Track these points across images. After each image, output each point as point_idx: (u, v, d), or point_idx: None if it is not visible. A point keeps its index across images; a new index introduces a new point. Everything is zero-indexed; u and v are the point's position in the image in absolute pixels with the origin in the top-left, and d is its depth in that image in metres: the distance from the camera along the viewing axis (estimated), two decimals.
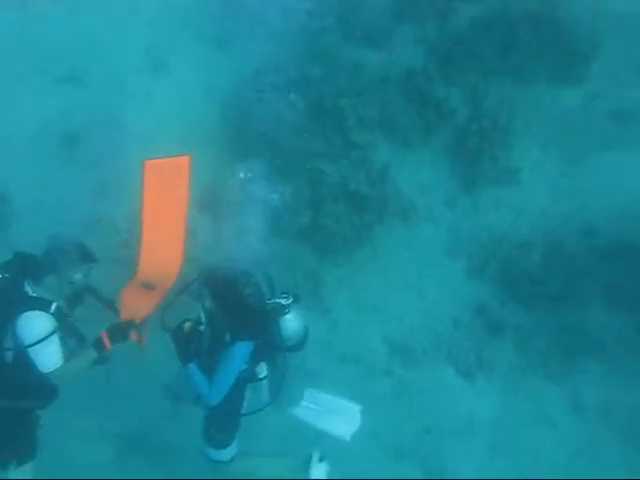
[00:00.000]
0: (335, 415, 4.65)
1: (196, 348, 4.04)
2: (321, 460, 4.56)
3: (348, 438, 4.61)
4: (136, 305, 4.16)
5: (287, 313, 4.02)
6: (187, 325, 4.06)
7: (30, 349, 3.64)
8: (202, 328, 4.07)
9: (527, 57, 7.04)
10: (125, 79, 6.91)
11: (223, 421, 4.23)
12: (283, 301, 4.02)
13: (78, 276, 3.92)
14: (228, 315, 3.97)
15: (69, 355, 3.86)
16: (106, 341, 3.92)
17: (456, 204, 6.87)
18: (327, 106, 6.77)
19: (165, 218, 4.02)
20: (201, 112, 6.94)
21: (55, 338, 3.71)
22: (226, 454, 4.33)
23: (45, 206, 6.14)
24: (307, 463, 4.54)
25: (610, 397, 5.85)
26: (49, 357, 3.70)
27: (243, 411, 4.23)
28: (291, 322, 4.03)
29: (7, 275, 3.77)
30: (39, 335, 3.63)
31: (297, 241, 6.78)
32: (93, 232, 5.71)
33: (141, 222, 4.07)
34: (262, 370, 4.22)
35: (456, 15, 7.32)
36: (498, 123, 6.91)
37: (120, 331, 3.99)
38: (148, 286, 4.20)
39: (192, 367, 3.98)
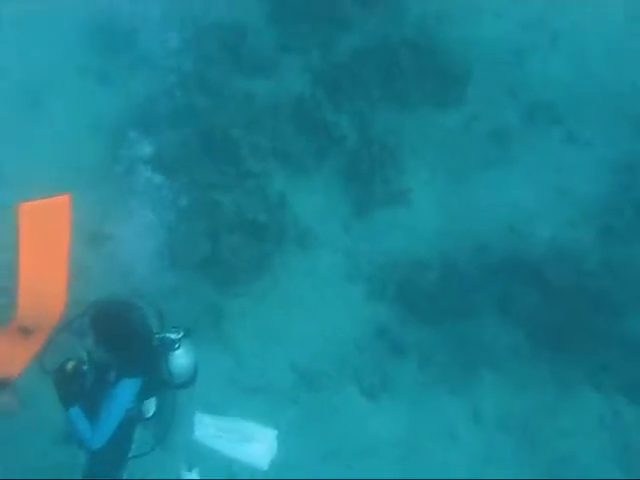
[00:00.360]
0: (248, 443, 4.61)
1: (79, 389, 3.78)
2: (190, 469, 4.45)
3: (266, 466, 4.59)
4: (11, 357, 3.84)
5: (177, 348, 3.85)
6: (69, 365, 3.79)
7: None
8: (85, 368, 3.82)
9: (409, 83, 7.36)
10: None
11: (107, 466, 3.98)
12: (173, 335, 3.86)
13: None
14: (113, 352, 3.76)
15: None
16: None
17: (352, 228, 6.99)
18: (218, 137, 6.76)
19: (45, 260, 3.79)
20: (86, 149, 6.72)
21: None
22: None
23: None
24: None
25: (505, 405, 6.08)
26: None
27: (131, 453, 4.03)
28: (180, 358, 3.86)
29: None
30: None
31: (197, 274, 6.67)
32: None
33: (19, 266, 3.84)
34: (150, 408, 4.02)
35: (339, 44, 7.57)
36: (387, 147, 7.12)
37: None
38: (26, 331, 3.85)
39: (74, 411, 3.71)
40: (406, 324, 6.55)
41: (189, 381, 3.96)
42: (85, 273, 5.98)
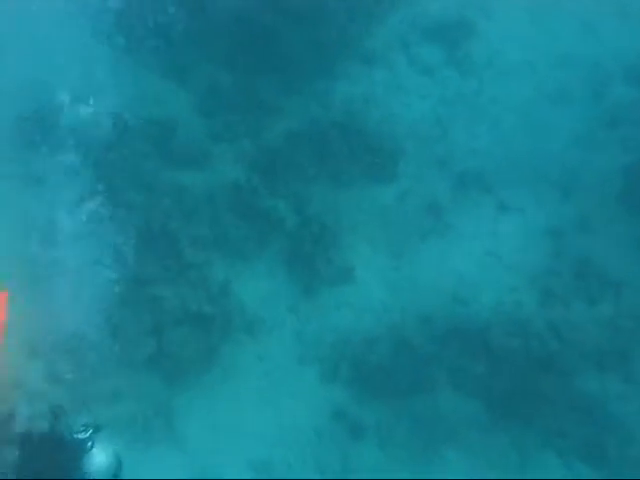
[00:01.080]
0: None
1: None
2: None
3: None
4: None
5: (92, 447, 3.61)
6: None
7: None
8: None
9: (342, 162, 7.55)
10: None
11: None
12: (81, 435, 3.63)
13: None
14: (32, 465, 3.50)
15: None
16: None
17: (299, 309, 6.97)
18: (156, 230, 6.70)
19: None
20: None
21: None
22: None
23: None
24: None
25: None
26: None
27: None
28: (97, 456, 3.63)
29: None
30: None
31: (143, 372, 6.47)
32: None
33: None
34: None
35: (269, 130, 7.73)
36: (326, 226, 7.24)
37: None
38: None
39: None
40: (362, 403, 6.49)
41: (115, 476, 3.72)
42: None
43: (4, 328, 3.71)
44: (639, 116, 8.00)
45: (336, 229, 7.27)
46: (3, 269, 5.98)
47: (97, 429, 3.61)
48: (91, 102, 6.95)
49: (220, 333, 6.63)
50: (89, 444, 3.56)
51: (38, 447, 3.49)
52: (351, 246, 7.28)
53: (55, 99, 6.84)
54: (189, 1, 7.85)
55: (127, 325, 6.48)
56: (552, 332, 6.62)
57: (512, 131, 7.97)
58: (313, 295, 7.02)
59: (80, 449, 3.55)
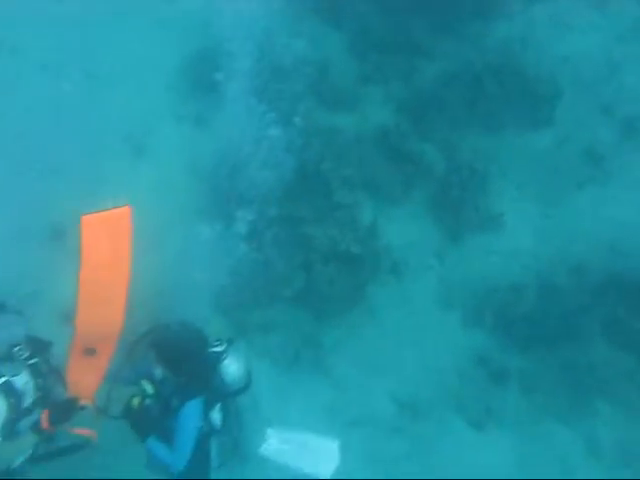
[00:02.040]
0: (312, 453, 4.73)
1: (149, 422, 4.01)
2: None
3: (328, 476, 4.65)
4: (82, 379, 3.97)
5: (225, 359, 4.05)
6: (134, 402, 4.00)
7: None
8: (148, 401, 4.03)
9: (495, 106, 7.31)
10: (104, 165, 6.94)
11: None
12: (217, 349, 4.07)
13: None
14: (175, 378, 3.97)
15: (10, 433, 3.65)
16: (44, 421, 3.67)
17: (445, 255, 6.97)
18: (309, 172, 6.90)
19: (105, 275, 3.77)
20: (183, 189, 7.00)
21: None
22: None
23: None
24: None
25: (624, 437, 5.85)
26: None
27: (212, 465, 4.23)
28: (230, 367, 4.07)
29: None
30: None
31: (293, 306, 6.81)
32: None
33: (79, 282, 3.92)
34: (218, 421, 4.21)
35: (420, 73, 7.62)
36: (476, 172, 7.09)
37: (62, 411, 3.76)
38: (90, 351, 3.97)
39: (151, 441, 3.98)
40: (506, 350, 6.44)
41: (244, 387, 4.17)
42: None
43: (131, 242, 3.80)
44: None
45: (486, 175, 7.11)
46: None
47: (230, 342, 4.10)
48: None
49: (366, 273, 6.76)
50: (224, 357, 4.04)
51: (183, 357, 3.95)
52: (501, 192, 7.12)
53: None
54: None
55: (279, 261, 6.83)
56: None
57: None
58: (460, 241, 6.98)
59: (216, 360, 4.02)
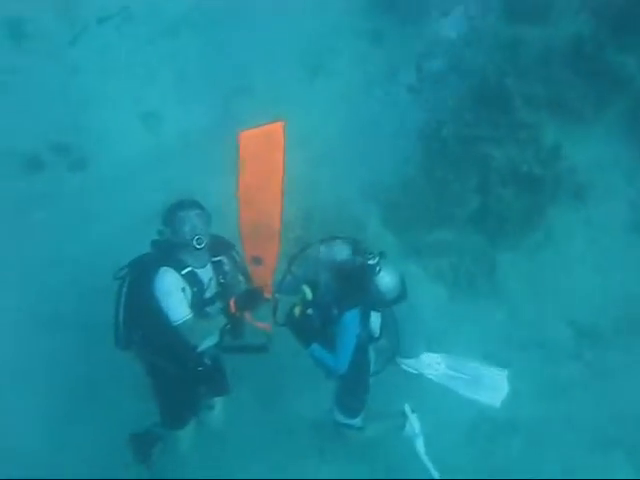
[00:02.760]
0: (481, 381, 4.79)
1: (311, 329, 4.32)
2: (413, 411, 4.92)
3: (498, 404, 4.73)
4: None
5: (379, 271, 4.23)
6: (296, 310, 4.30)
7: (159, 299, 3.96)
8: (309, 311, 4.32)
9: None
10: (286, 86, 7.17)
11: (355, 387, 4.58)
12: (370, 261, 4.21)
13: (187, 226, 4.03)
14: (337, 288, 4.23)
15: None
16: (232, 306, 4.09)
17: (637, 178, 6.47)
18: (490, 88, 6.63)
19: (262, 187, 4.05)
20: (358, 109, 7.06)
21: (176, 294, 3.97)
22: (358, 421, 4.73)
23: None
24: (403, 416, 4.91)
25: None
26: (175, 309, 3.96)
27: (371, 370, 4.56)
28: (385, 278, 4.27)
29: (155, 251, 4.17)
30: (162, 285, 3.96)
31: (467, 228, 6.75)
32: None
33: (239, 196, 4.17)
34: (376, 329, 4.45)
35: None
36: None
37: (247, 298, 4.15)
38: (256, 261, 4.32)
39: (315, 347, 4.28)
40: None
41: (400, 296, 4.36)
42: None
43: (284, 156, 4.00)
44: None
45: None
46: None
47: (382, 255, 4.24)
48: None
49: (548, 196, 6.48)
50: (378, 269, 4.22)
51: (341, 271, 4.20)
52: None
53: None
54: None
55: (453, 181, 6.76)
56: None
57: None
58: None
59: (371, 272, 4.21)
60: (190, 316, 4.00)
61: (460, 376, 4.82)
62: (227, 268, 4.34)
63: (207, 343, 4.26)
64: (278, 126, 4.02)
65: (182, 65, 7.11)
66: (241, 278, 4.36)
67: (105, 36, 6.83)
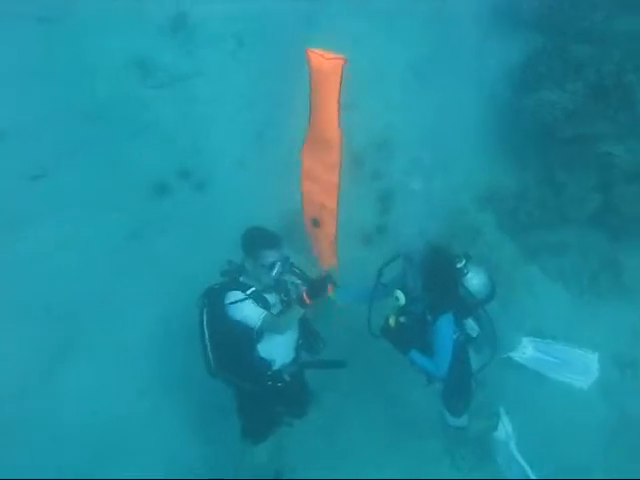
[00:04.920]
0: (570, 365, 4.84)
1: (408, 337, 4.38)
2: (506, 413, 4.97)
3: (586, 387, 4.79)
4: (319, 249, 4.55)
5: (467, 273, 4.30)
6: (391, 321, 4.38)
7: (233, 316, 4.23)
8: (402, 319, 4.41)
9: None
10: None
11: (458, 388, 4.68)
12: (457, 265, 4.30)
13: (270, 260, 4.30)
14: (428, 294, 4.29)
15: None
16: (305, 298, 4.23)
17: None
18: (608, 85, 6.43)
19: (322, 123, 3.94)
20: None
21: (246, 302, 4.24)
22: (464, 420, 4.85)
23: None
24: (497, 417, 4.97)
25: None
26: (250, 314, 4.22)
27: (474, 368, 4.63)
28: (473, 279, 4.32)
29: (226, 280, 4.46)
30: (232, 299, 4.26)
31: (588, 228, 6.61)
32: None
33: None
34: (473, 329, 4.53)
35: None
36: None
37: (317, 287, 4.27)
38: (315, 222, 4.45)
39: (413, 354, 4.35)
40: None
41: (490, 294, 4.41)
42: None
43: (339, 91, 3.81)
44: None
45: None
46: None
47: (468, 257, 4.36)
48: None
49: None
50: (465, 271, 4.32)
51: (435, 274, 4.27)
52: None
53: None
54: None
55: (573, 181, 6.61)
56: None
57: None
58: None
59: (460, 275, 4.31)
60: (266, 312, 4.27)
61: (549, 359, 4.89)
62: (289, 286, 4.55)
63: (283, 360, 4.51)
64: (339, 60, 3.70)
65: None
66: (298, 281, 4.56)
67: (220, 62, 7.11)
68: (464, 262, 4.31)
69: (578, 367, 4.83)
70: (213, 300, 4.38)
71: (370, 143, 6.95)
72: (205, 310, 4.42)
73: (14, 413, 5.47)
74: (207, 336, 4.42)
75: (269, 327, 4.28)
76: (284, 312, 4.42)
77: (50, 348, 5.78)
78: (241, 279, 4.41)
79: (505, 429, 4.97)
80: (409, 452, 5.59)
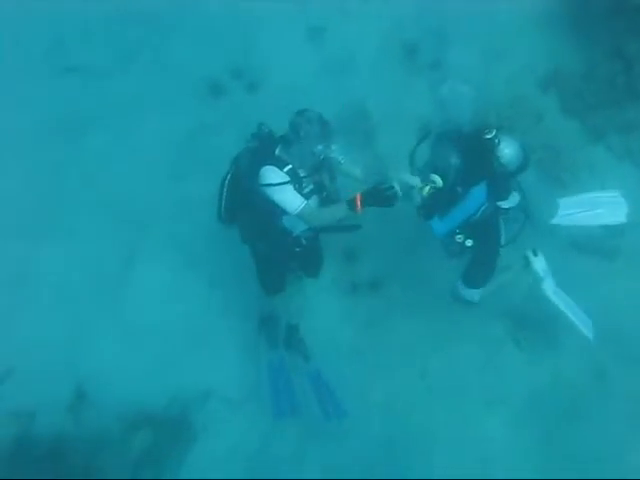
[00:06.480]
0: (601, 208, 4.96)
1: (436, 205, 4.41)
2: (535, 254, 4.86)
3: (624, 219, 4.96)
4: None
5: (498, 144, 4.20)
6: (425, 189, 4.29)
7: (268, 193, 4.22)
8: (432, 190, 4.31)
9: None
10: None
11: (484, 258, 4.68)
12: (487, 135, 4.19)
13: (319, 148, 4.23)
14: (466, 166, 4.28)
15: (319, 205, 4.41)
16: (358, 202, 4.08)
17: None
18: None
19: None
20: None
21: (287, 187, 4.19)
22: (478, 294, 4.80)
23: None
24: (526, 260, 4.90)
25: None
26: (290, 200, 4.21)
27: (503, 240, 4.64)
28: (506, 149, 4.24)
29: (256, 144, 4.44)
30: (271, 181, 4.19)
31: None
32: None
33: None
34: (513, 200, 4.52)
35: None
36: None
37: (375, 196, 4.08)
38: None
39: (433, 221, 4.46)
40: None
41: (524, 164, 4.35)
42: None
43: None
44: None
45: None
46: None
47: (498, 127, 4.29)
48: None
49: None
50: (497, 141, 4.22)
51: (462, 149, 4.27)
52: None
53: None
54: None
55: None
56: None
57: None
58: None
59: (491, 146, 4.21)
60: (306, 202, 4.26)
61: (578, 212, 4.99)
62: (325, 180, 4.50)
63: (301, 227, 4.54)
64: None
65: None
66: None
67: None
68: (494, 132, 4.23)
69: (608, 208, 4.96)
70: (245, 169, 4.43)
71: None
72: (230, 174, 4.57)
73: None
74: (225, 193, 4.61)
75: (304, 217, 4.29)
76: (325, 206, 4.43)
77: (118, 252, 6.09)
78: (277, 152, 4.34)
79: (537, 270, 4.91)
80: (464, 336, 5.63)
